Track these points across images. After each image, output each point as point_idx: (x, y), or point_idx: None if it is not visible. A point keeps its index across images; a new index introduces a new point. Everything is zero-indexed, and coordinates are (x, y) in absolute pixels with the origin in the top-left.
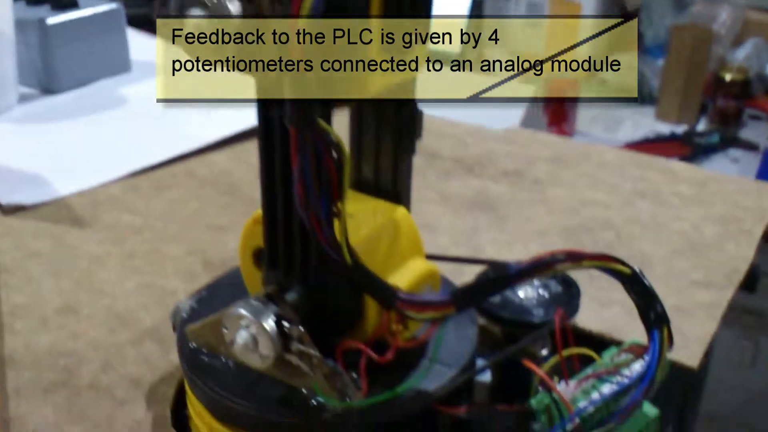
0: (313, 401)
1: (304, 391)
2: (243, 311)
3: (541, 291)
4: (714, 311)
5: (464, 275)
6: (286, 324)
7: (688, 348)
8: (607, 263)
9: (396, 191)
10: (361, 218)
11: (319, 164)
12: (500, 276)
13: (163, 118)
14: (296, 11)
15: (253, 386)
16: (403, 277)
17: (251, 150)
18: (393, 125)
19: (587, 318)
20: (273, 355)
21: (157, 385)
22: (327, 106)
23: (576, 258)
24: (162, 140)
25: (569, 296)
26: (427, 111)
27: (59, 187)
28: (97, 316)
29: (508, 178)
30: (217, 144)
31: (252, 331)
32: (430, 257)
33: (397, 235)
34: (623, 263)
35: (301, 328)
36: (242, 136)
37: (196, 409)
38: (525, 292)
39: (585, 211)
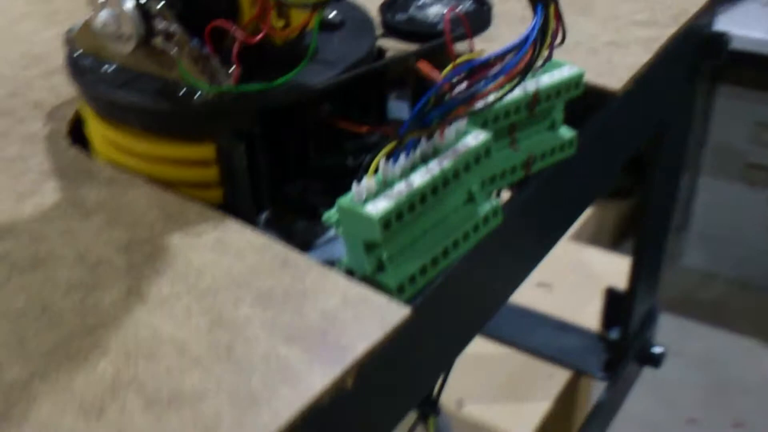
0: (184, 89)
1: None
2: None
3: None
4: (650, 45)
5: None
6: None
7: (614, 75)
8: None
9: None
10: None
11: None
12: None
13: None
14: None
15: (131, 82)
16: None
17: None
18: None
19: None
20: (134, 35)
21: (59, 107)
22: None
23: None
24: None
25: (480, 12)
26: None
27: None
28: (11, 58)
29: None
30: None
31: (112, 10)
32: None
33: None
34: None
35: (162, 4)
36: None
37: (85, 114)
38: (434, 10)
39: None
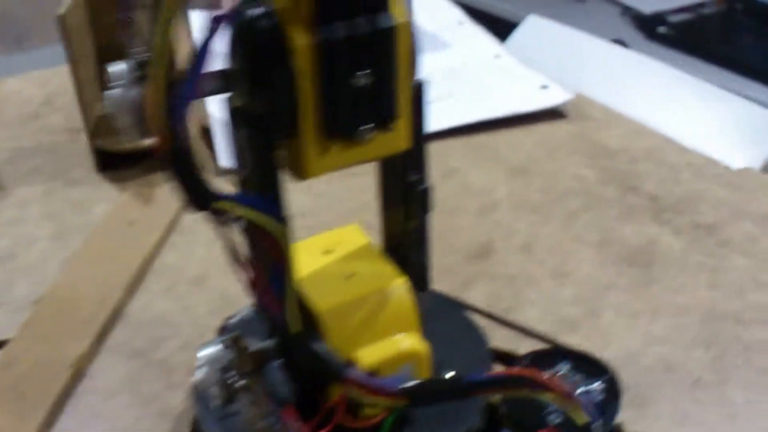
0: None
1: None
2: (202, 353)
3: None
4: None
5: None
6: (230, 374)
7: None
8: (569, 404)
9: (405, 256)
10: (357, 282)
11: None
12: (454, 384)
13: None
14: None
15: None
16: (375, 353)
17: None
18: (400, 199)
19: None
20: (221, 399)
21: None
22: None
23: (538, 386)
24: None
25: (605, 404)
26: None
27: None
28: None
29: (695, 231)
30: None
31: (206, 372)
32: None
33: (385, 306)
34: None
35: (243, 381)
36: None
37: None
38: None
39: (754, 295)
